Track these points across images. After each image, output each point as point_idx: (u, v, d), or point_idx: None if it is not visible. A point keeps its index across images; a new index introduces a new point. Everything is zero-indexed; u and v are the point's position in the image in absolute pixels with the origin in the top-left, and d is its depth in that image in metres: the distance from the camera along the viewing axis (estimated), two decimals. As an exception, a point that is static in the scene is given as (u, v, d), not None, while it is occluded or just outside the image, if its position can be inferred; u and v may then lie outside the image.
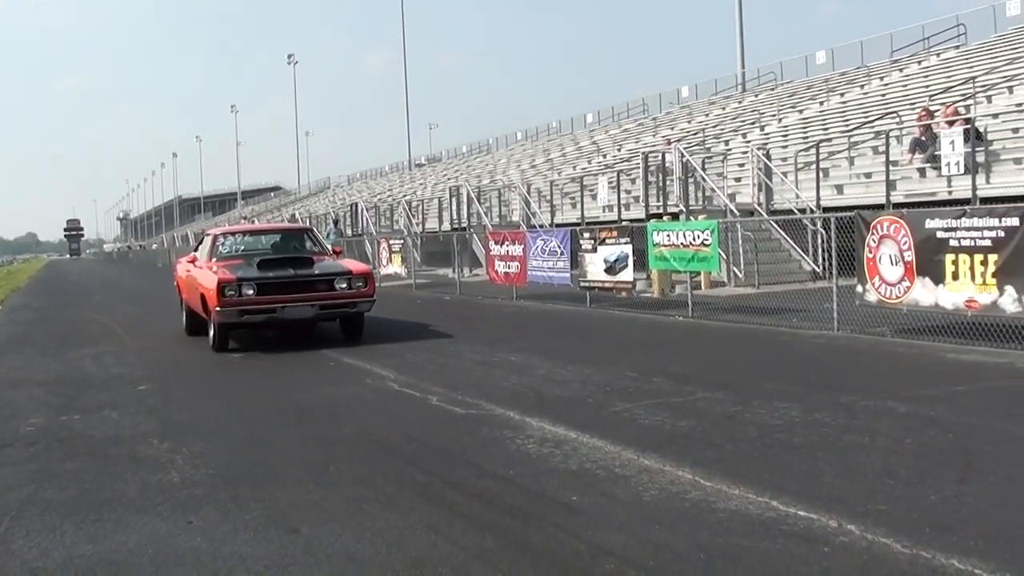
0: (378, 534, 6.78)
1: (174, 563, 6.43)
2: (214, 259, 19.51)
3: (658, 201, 30.30)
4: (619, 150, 51.50)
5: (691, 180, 29.79)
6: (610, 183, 34.53)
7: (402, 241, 37.52)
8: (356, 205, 59.34)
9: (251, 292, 17.36)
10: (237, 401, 12.76)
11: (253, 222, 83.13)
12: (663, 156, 31.23)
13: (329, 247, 21.61)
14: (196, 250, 21.86)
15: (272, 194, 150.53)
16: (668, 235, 21.38)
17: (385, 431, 10.27)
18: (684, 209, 28.75)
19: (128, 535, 7.05)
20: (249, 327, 18.42)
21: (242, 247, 20.51)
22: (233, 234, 21.67)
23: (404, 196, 61.58)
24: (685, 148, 32.26)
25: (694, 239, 20.41)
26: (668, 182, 30.50)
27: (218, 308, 17.29)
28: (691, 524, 6.71)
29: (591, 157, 53.16)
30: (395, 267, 36.46)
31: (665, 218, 27.18)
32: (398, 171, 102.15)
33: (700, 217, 25.50)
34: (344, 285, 17.95)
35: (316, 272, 18.27)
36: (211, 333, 18.20)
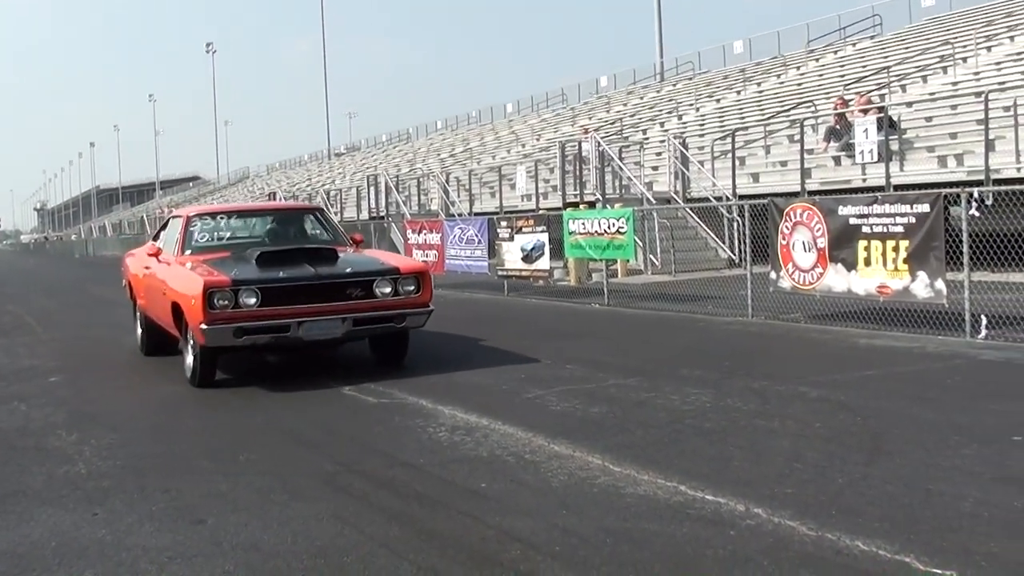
0: (284, 524, 6.72)
1: (77, 555, 6.31)
2: (189, 251, 13.82)
3: (575, 190, 30.30)
4: (538, 140, 51.54)
5: (608, 169, 29.84)
6: (528, 172, 34.49)
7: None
8: (274, 195, 58.95)
9: (253, 301, 11.76)
10: (148, 391, 12.56)
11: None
12: (580, 145, 31.24)
13: (344, 234, 15.48)
14: (157, 238, 15.98)
15: (191, 184, 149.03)
16: (584, 223, 21.37)
17: (294, 420, 10.20)
18: (601, 198, 28.79)
19: (32, 527, 6.91)
20: (246, 351, 12.59)
21: (227, 234, 14.75)
22: (213, 216, 15.24)
23: (323, 185, 61.17)
24: (603, 138, 32.33)
25: (609, 227, 20.42)
26: (585, 171, 30.53)
27: (204, 325, 11.59)
28: (599, 509, 6.69)
29: (510, 146, 53.19)
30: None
31: (582, 207, 27.17)
32: (317, 160, 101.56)
33: (616, 206, 25.51)
34: (387, 289, 12.42)
35: (347, 271, 12.49)
36: (188, 359, 12.45)
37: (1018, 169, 19.61)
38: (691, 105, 44.24)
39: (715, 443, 8.35)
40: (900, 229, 13.64)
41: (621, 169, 30.03)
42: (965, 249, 13.35)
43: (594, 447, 8.30)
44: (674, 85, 55.94)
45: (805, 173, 24.19)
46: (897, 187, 20.65)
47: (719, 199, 26.24)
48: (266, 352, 13.61)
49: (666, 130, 37.78)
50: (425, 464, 8.07)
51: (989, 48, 32.39)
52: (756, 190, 25.95)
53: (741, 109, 38.67)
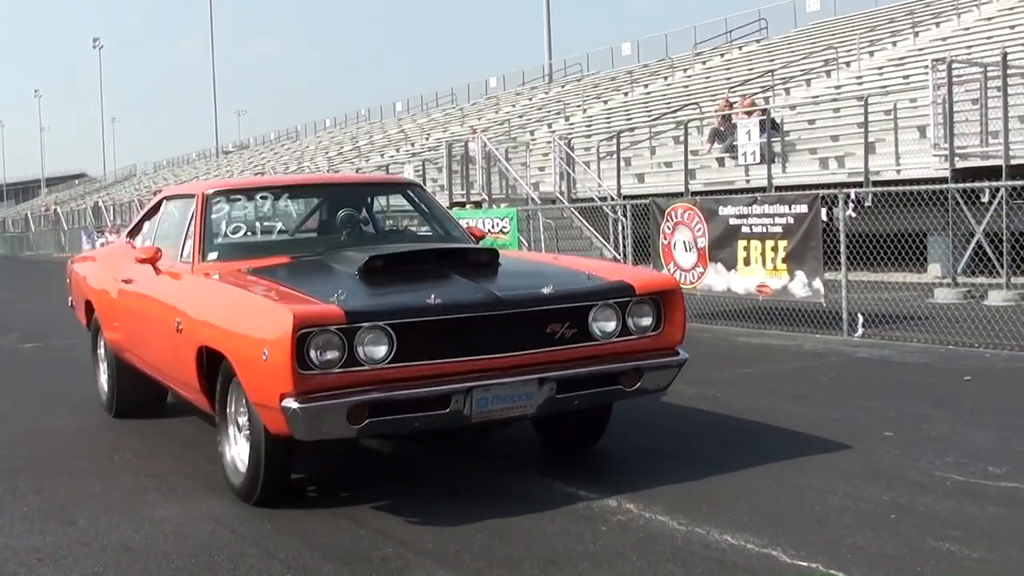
0: (156, 524, 6.61)
1: (-57, 558, 6.07)
2: (215, 255, 8.20)
3: (462, 190, 30.24)
4: (427, 139, 51.45)
5: (495, 169, 29.82)
6: (416, 171, 34.38)
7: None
8: (159, 194, 58.19)
9: (384, 352, 6.36)
10: (24, 392, 12.04)
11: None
12: (467, 145, 31.19)
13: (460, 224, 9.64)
14: (134, 233, 10.33)
15: (76, 181, 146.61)
16: (468, 222, 21.22)
17: (166, 418, 9.97)
18: (487, 198, 28.76)
19: None
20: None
21: (275, 225, 8.91)
22: (248, 194, 8.98)
23: (209, 184, 60.47)
24: (491, 138, 32.30)
25: (493, 226, 20.40)
26: (472, 171, 30.49)
27: (293, 401, 6.15)
28: (473, 507, 6.66)
29: (399, 145, 53.05)
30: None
31: (468, 207, 27.12)
32: (205, 158, 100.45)
33: (502, 206, 25.49)
34: (612, 325, 7.05)
35: (546, 291, 6.85)
36: (233, 454, 7.18)
37: (897, 172, 19.91)
38: (579, 106, 44.40)
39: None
40: (779, 229, 13.75)
41: (507, 170, 30.02)
42: (843, 249, 13.51)
43: (485, 453, 8.21)
44: (562, 86, 56.12)
45: (689, 174, 24.32)
46: (779, 188, 20.83)
47: (604, 199, 26.32)
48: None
49: (553, 131, 37.85)
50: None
51: (872, 53, 32.88)
52: (641, 191, 26.05)
53: (628, 111, 38.88)
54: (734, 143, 23.89)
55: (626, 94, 44.07)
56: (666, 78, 44.87)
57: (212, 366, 7.20)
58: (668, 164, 27.46)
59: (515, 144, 33.86)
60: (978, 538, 5.78)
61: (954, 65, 17.76)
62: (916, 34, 32.65)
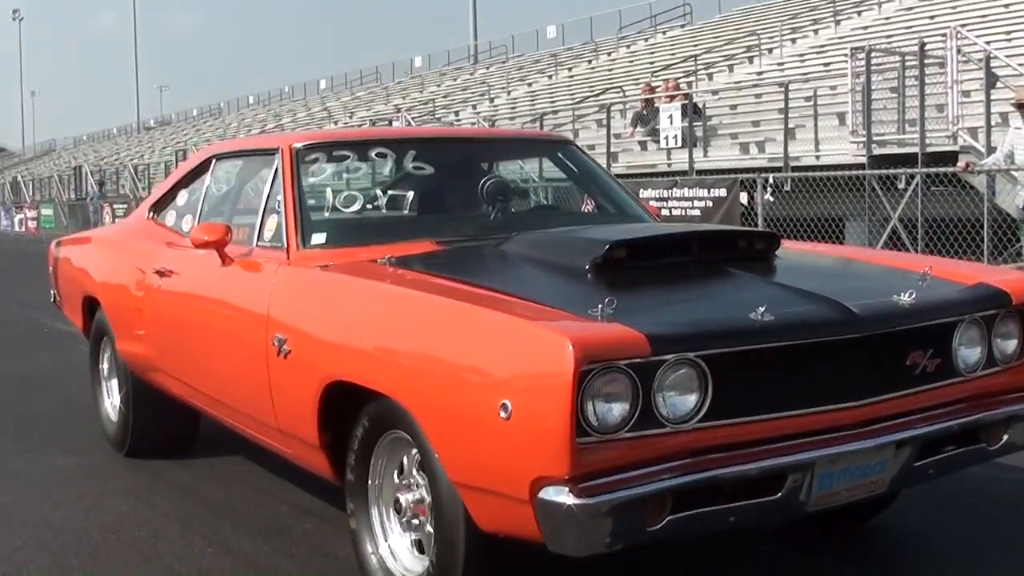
0: (76, 501, 6.58)
1: None
2: (324, 237, 5.76)
3: (386, 169, 30.14)
4: (351, 117, 51.18)
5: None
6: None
7: (127, 206, 36.48)
8: (80, 168, 57.46)
9: (692, 403, 3.97)
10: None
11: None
12: (391, 124, 31.15)
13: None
14: (161, 207, 7.65)
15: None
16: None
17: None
18: (410, 177, 28.71)
19: None
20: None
21: (401, 196, 6.15)
22: (353, 149, 6.48)
23: (131, 160, 59.90)
24: (415, 118, 32.26)
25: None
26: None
27: (570, 493, 3.71)
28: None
29: (323, 124, 52.73)
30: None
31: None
32: (127, 134, 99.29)
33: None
34: (978, 351, 4.72)
35: (905, 303, 4.46)
36: (374, 551, 4.85)
37: (816, 157, 20.07)
38: (503, 88, 44.34)
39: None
40: (698, 212, 13.95)
41: (431, 149, 30.02)
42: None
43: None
44: (488, 68, 56.09)
45: (612, 157, 24.39)
46: (700, 172, 20.97)
47: (526, 181, 26.38)
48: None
49: (478, 112, 37.89)
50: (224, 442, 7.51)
51: (794, 40, 33.15)
52: (562, 174, 26.08)
53: (552, 93, 38.98)
54: (657, 127, 24.02)
55: (550, 77, 44.15)
56: (590, 61, 44.98)
57: (344, 411, 4.90)
58: (591, 147, 27.45)
59: (439, 125, 33.87)
60: None
61: (873, 54, 17.98)
62: (838, 22, 32.94)
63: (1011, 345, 4.83)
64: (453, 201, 6.63)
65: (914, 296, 4.46)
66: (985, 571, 5.15)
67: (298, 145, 6.14)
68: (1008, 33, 23.76)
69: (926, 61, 17.34)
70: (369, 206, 6.07)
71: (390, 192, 6.19)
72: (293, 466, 6.19)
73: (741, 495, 4.02)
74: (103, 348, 8.06)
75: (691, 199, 13.99)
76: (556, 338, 3.77)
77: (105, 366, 8.08)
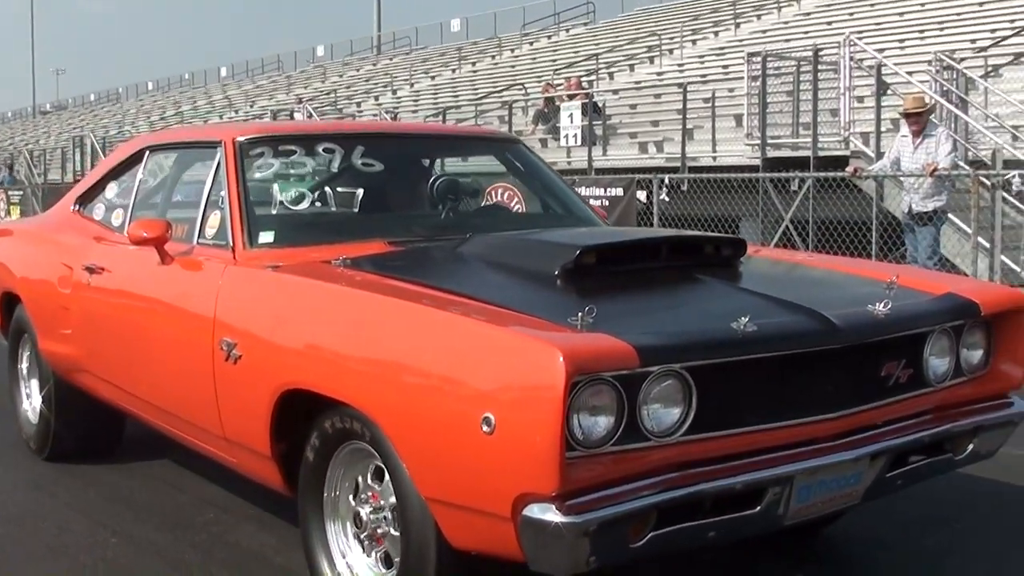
0: (-21, 494, 6.59)
1: None
2: (272, 236, 5.53)
3: (287, 159, 30.04)
4: (252, 106, 50.84)
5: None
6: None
7: (22, 192, 35.93)
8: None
9: (676, 416, 3.89)
10: None
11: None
12: (292, 115, 31.08)
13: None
14: (88, 199, 7.27)
15: None
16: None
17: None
18: (312, 169, 28.65)
19: None
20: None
21: (346, 193, 5.86)
22: (300, 143, 6.09)
23: (27, 145, 59.00)
24: (317, 108, 32.20)
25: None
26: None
27: (558, 510, 3.57)
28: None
29: (223, 112, 52.26)
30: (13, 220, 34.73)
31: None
32: (22, 118, 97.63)
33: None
34: (946, 362, 4.78)
35: (880, 314, 4.41)
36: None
37: (713, 158, 20.41)
38: (406, 80, 44.43)
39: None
40: (596, 211, 14.15)
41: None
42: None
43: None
44: (391, 59, 56.00)
45: (513, 153, 24.57)
46: (599, 170, 21.24)
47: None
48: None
49: (380, 104, 37.89)
50: (133, 432, 7.33)
51: (694, 42, 33.58)
52: (466, 168, 26.17)
53: (455, 87, 39.12)
54: (557, 125, 24.23)
55: (454, 70, 44.27)
56: (493, 57, 45.15)
57: (299, 420, 4.68)
58: (492, 143, 27.66)
59: (341, 116, 33.83)
60: None
61: (769, 58, 18.34)
62: (737, 25, 33.43)
63: (977, 355, 4.87)
64: (403, 199, 6.49)
65: (889, 306, 4.40)
66: (938, 566, 5.36)
67: (242, 138, 5.83)
68: (901, 41, 24.35)
69: (821, 67, 17.73)
70: (317, 203, 5.78)
71: (338, 189, 5.88)
72: (193, 458, 6.20)
73: (721, 509, 3.95)
74: (23, 346, 7.59)
75: (588, 198, 14.17)
76: (545, 349, 3.61)
77: (25, 365, 7.60)
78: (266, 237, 5.44)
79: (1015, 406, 4.96)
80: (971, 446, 4.76)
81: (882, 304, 4.40)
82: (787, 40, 27.42)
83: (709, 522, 3.92)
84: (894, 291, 4.63)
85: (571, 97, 24.23)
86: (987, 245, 14.25)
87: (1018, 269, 14.68)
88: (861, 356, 4.32)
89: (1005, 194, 14.46)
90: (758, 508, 4.01)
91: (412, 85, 43.00)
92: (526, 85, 31.71)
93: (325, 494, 4.61)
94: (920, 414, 4.65)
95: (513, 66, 40.35)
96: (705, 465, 3.94)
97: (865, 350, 4.33)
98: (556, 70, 33.46)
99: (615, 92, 27.71)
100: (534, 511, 3.58)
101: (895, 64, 18.68)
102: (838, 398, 4.28)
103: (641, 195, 16.63)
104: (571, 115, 22.96)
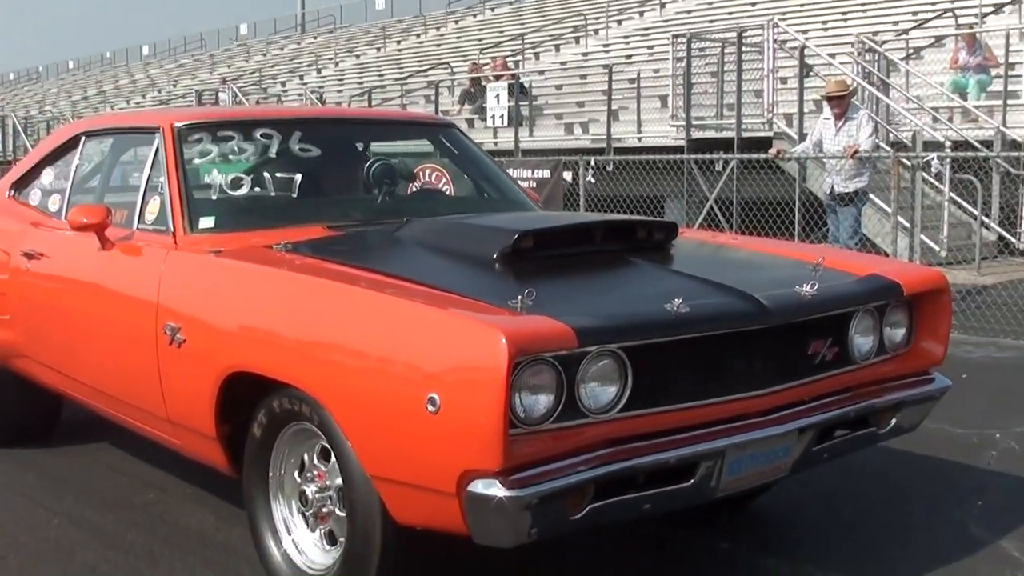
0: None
1: None
2: (213, 222, 5.56)
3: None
4: (175, 86, 50.45)
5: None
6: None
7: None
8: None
9: (612, 394, 4.09)
10: None
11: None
12: (217, 96, 30.87)
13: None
14: (23, 184, 7.21)
15: None
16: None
17: None
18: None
19: None
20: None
21: (283, 176, 5.85)
22: (238, 128, 6.07)
23: (-57, 123, 58.13)
24: (241, 88, 31.99)
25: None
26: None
27: (498, 481, 3.74)
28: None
29: (146, 92, 51.84)
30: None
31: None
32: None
33: (252, 157, 25.32)
34: (869, 341, 5.00)
35: (807, 295, 4.62)
36: (276, 547, 4.74)
37: (639, 139, 20.58)
38: (331, 59, 44.22)
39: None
40: (523, 193, 14.22)
41: (257, 121, 29.81)
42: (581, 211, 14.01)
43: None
44: (315, 38, 55.65)
45: (439, 134, 24.58)
46: (526, 151, 21.36)
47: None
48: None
49: (305, 83, 37.72)
50: (71, 419, 7.41)
51: (619, 22, 33.67)
52: (392, 149, 26.14)
53: (380, 66, 38.98)
54: (484, 105, 24.27)
55: (379, 49, 44.05)
56: (419, 36, 44.99)
57: (243, 402, 4.76)
58: (419, 123, 27.63)
59: (266, 96, 33.66)
60: None
61: (693, 40, 18.45)
62: (663, 5, 33.47)
63: (899, 333, 5.10)
64: (340, 184, 6.54)
65: (815, 288, 4.61)
66: (856, 536, 5.55)
67: (180, 124, 5.88)
68: (825, 22, 24.62)
69: (746, 48, 17.86)
70: (256, 189, 5.79)
71: (277, 174, 5.89)
72: (130, 440, 6.33)
73: (656, 483, 4.14)
74: None
75: (516, 180, 14.23)
76: (489, 332, 3.75)
77: None
78: (206, 222, 5.50)
79: (936, 382, 5.21)
80: (894, 420, 4.99)
81: (809, 285, 4.61)
82: (712, 21, 27.61)
83: (644, 495, 4.12)
84: (820, 272, 4.84)
85: (497, 78, 24.26)
86: (907, 225, 14.49)
87: (937, 248, 14.98)
88: (789, 335, 4.54)
89: (925, 175, 14.72)
90: (691, 481, 4.20)
91: (337, 64, 42.80)
92: (452, 64, 31.69)
93: (271, 473, 4.72)
94: (845, 390, 4.86)
95: (438, 45, 40.29)
96: (640, 440, 4.11)
97: (792, 330, 4.55)
98: (482, 49, 33.48)
99: (541, 73, 27.79)
100: (478, 487, 3.74)
101: (818, 46, 18.93)
102: (767, 376, 4.48)
103: (567, 175, 16.82)
104: (497, 96, 22.99)
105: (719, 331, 4.33)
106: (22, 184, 7.21)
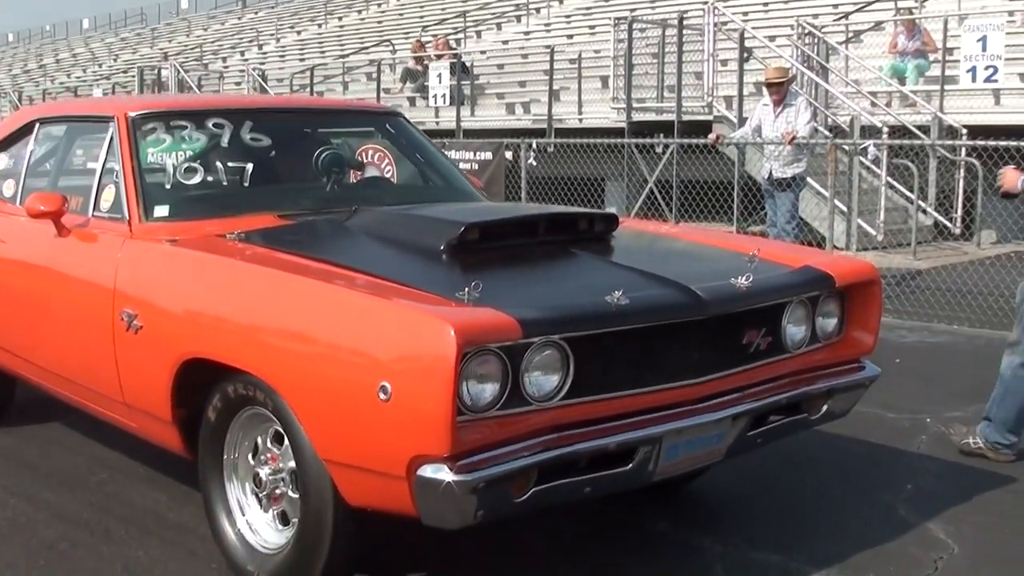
0: None
1: None
2: (168, 210, 5.66)
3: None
4: (116, 60, 50.14)
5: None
6: (105, 95, 33.67)
7: None
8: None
9: (555, 383, 4.27)
10: None
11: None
12: (159, 72, 30.74)
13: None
14: None
15: None
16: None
17: None
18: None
19: None
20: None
21: (234, 165, 6.02)
22: (191, 118, 6.15)
23: None
24: (183, 64, 31.87)
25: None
26: (164, 98, 30.00)
27: (451, 469, 3.92)
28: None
29: (87, 66, 51.49)
30: None
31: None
32: None
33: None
34: (802, 330, 5.18)
35: (742, 286, 4.79)
36: (230, 527, 4.89)
37: (579, 120, 20.73)
38: (272, 35, 44.02)
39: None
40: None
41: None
42: (523, 194, 14.18)
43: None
44: (256, 13, 55.22)
45: (382, 112, 24.58)
46: (468, 131, 21.44)
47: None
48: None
49: (246, 60, 37.63)
50: (21, 401, 7.48)
51: (561, 1, 33.71)
52: (336, 130, 26.16)
53: (322, 43, 38.85)
54: (425, 84, 24.31)
55: (320, 26, 43.90)
56: (360, 12, 44.77)
57: (198, 387, 4.91)
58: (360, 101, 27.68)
59: (207, 72, 33.54)
60: None
61: (635, 23, 18.59)
62: (605, -16, 33.66)
63: (831, 323, 5.31)
64: (291, 173, 6.61)
65: (750, 279, 4.80)
66: (788, 518, 5.76)
67: (134, 114, 5.95)
68: (766, 5, 24.79)
69: (687, 31, 18.04)
70: (209, 178, 5.94)
71: (229, 163, 6.03)
72: (84, 421, 6.52)
73: (596, 467, 4.36)
74: None
75: (458, 161, 14.36)
76: (438, 323, 3.93)
77: None
78: (161, 211, 5.61)
79: (866, 370, 5.45)
80: (825, 407, 5.24)
81: (744, 278, 4.81)
82: (652, 3, 27.71)
83: (585, 479, 4.34)
84: (755, 264, 5.05)
85: (439, 57, 24.31)
86: (844, 209, 14.76)
87: (873, 232, 15.25)
88: (724, 326, 4.73)
89: (862, 159, 14.99)
90: (630, 466, 4.42)
91: (278, 40, 42.60)
92: (394, 42, 31.66)
93: (225, 455, 4.88)
94: (779, 378, 5.07)
95: (380, 21, 40.17)
96: (582, 427, 4.32)
97: (728, 320, 4.74)
98: (424, 27, 33.47)
99: (483, 52, 27.85)
100: (427, 471, 3.93)
101: (759, 30, 19.12)
102: (703, 365, 4.67)
103: (508, 155, 16.98)
104: (439, 75, 23.05)
105: (657, 322, 4.51)
106: None
